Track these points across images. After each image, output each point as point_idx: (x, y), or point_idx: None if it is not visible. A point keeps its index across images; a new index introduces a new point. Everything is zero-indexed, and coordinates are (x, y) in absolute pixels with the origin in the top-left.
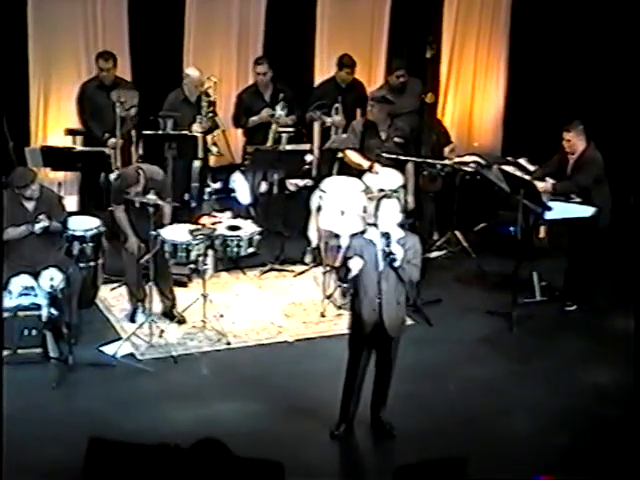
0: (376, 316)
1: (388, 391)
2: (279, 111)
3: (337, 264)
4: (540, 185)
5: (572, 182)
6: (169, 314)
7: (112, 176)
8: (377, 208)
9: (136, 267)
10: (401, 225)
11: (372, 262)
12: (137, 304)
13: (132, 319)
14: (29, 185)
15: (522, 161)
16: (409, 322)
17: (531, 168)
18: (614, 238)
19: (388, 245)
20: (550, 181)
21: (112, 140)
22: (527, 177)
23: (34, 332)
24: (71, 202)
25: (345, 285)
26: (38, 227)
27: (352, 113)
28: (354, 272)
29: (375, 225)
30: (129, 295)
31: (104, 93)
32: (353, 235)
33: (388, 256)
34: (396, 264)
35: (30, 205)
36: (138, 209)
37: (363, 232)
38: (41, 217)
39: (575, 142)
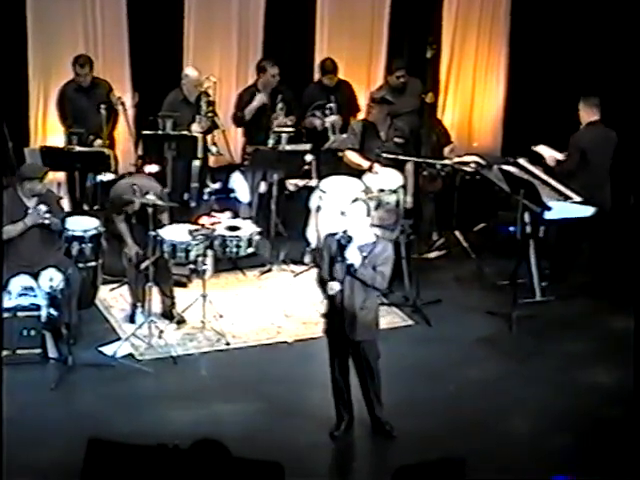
0: (340, 319)
1: (371, 393)
2: (278, 111)
3: (307, 261)
4: (549, 154)
5: (565, 163)
6: (168, 314)
7: (100, 177)
8: (345, 212)
9: (135, 269)
10: (401, 225)
11: (339, 264)
12: (137, 304)
13: (132, 320)
14: (41, 179)
15: (521, 161)
16: (409, 322)
17: (531, 168)
18: (614, 238)
19: (343, 250)
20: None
21: (98, 141)
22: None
23: (33, 332)
24: (68, 203)
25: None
26: (41, 214)
27: (343, 113)
28: (331, 293)
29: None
30: (131, 295)
31: (84, 95)
32: (327, 235)
33: (343, 260)
34: (351, 269)
35: (31, 203)
36: (137, 213)
37: (335, 233)
38: (40, 207)
39: (582, 114)
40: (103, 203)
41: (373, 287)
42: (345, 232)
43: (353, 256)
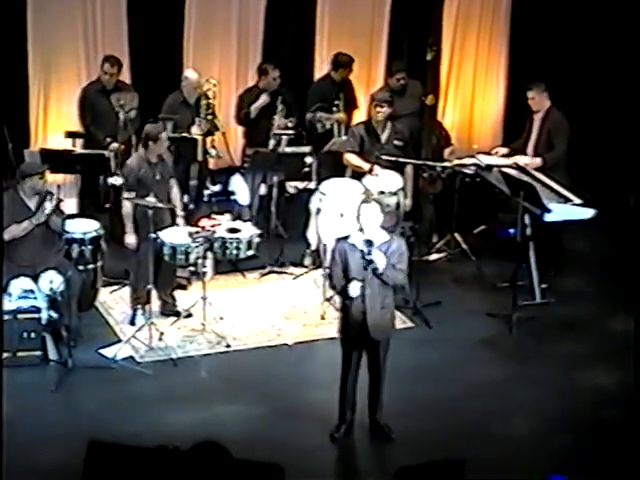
0: (362, 320)
1: (381, 394)
2: (278, 113)
3: (324, 268)
4: (528, 160)
5: (556, 151)
6: (173, 313)
7: (111, 180)
8: (358, 214)
9: (143, 268)
10: (401, 227)
11: (357, 267)
12: (137, 306)
13: (132, 322)
14: (41, 176)
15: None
16: (409, 324)
17: (531, 170)
18: (615, 239)
19: (369, 253)
20: (537, 159)
21: (114, 145)
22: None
23: (33, 335)
24: (70, 205)
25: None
26: (46, 212)
27: (350, 109)
28: (354, 295)
29: (361, 230)
30: (132, 297)
31: (105, 97)
32: (338, 239)
33: (369, 264)
34: (378, 271)
35: (32, 203)
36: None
37: (347, 237)
38: (46, 204)
39: (538, 99)
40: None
41: (395, 285)
42: (362, 236)
43: (379, 259)
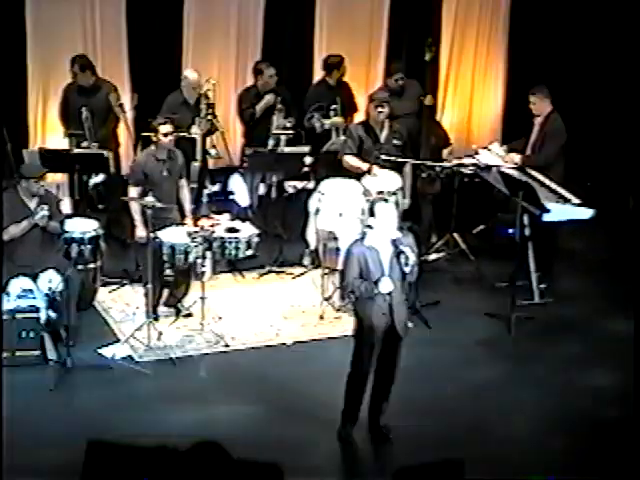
0: (387, 319)
1: (389, 396)
2: (277, 113)
3: (339, 267)
4: (508, 156)
5: (541, 155)
6: (175, 308)
7: (91, 180)
8: (372, 213)
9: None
10: (399, 228)
11: (377, 268)
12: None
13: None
14: (38, 179)
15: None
16: (408, 324)
17: (530, 170)
18: (613, 240)
19: (402, 251)
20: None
21: (85, 143)
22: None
23: (32, 334)
24: (67, 204)
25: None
26: (38, 216)
27: (346, 113)
28: (388, 291)
29: (369, 227)
30: (153, 295)
31: (83, 96)
32: (353, 243)
33: (406, 261)
34: (408, 269)
35: (32, 204)
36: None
37: (362, 239)
38: (43, 206)
39: (540, 105)
40: (106, 204)
41: (409, 281)
42: (376, 234)
43: (410, 255)
